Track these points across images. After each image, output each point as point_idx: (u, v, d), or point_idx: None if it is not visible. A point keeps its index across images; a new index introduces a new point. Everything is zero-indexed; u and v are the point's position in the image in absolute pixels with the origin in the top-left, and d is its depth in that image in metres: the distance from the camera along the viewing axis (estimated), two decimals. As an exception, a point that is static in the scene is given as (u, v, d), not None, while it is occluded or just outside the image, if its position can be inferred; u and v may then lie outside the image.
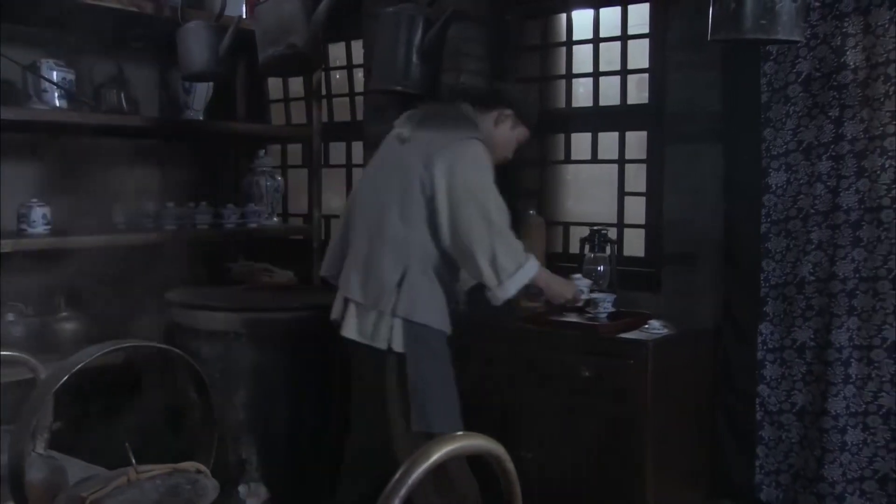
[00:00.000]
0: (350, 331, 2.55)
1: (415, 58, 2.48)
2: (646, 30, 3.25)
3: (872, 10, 2.65)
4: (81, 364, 0.78)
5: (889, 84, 2.63)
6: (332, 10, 2.72)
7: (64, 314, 3.13)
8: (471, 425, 2.53)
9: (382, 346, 2.48)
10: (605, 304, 2.85)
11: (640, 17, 3.28)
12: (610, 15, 3.37)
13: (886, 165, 2.65)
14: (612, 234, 3.20)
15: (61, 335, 3.09)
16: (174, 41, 3.28)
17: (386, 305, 2.47)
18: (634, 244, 3.35)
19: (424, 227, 2.50)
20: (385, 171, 2.64)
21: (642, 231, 3.30)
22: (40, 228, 3.16)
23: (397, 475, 0.59)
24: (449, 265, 2.59)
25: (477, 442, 0.61)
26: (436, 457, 0.59)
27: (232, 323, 2.85)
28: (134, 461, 0.85)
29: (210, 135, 3.75)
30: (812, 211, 2.79)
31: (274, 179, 3.97)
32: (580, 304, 2.82)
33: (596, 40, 3.39)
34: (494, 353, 2.90)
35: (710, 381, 2.95)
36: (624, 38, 3.31)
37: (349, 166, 4.22)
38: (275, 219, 4.01)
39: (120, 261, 3.58)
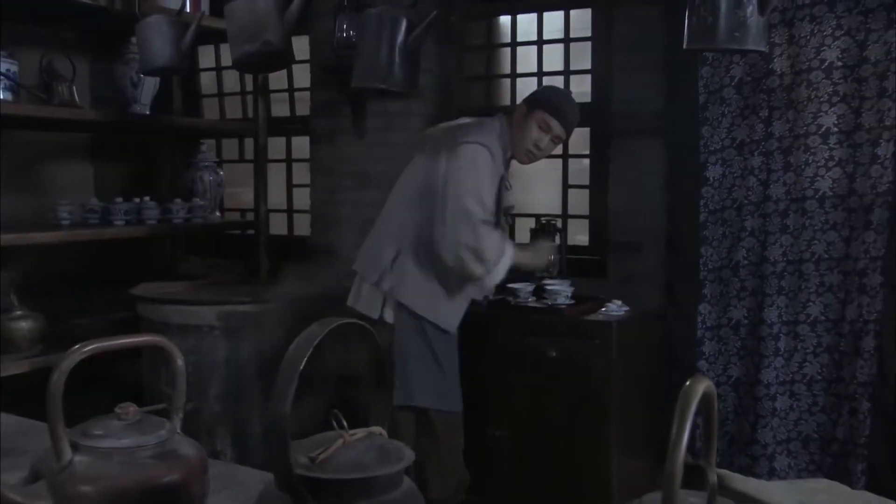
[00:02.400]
0: (352, 300, 2.78)
1: (397, 58, 2.60)
2: (587, 33, 3.48)
3: (796, 23, 2.97)
4: (317, 340, 0.89)
5: (811, 89, 2.96)
6: (303, 8, 2.80)
7: (18, 312, 3.05)
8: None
9: (375, 315, 2.68)
10: (565, 290, 3.06)
11: (582, 21, 3.51)
12: (553, 19, 3.58)
13: (809, 161, 2.99)
14: (559, 224, 3.42)
15: (17, 334, 3.01)
16: (120, 33, 3.25)
17: (379, 280, 2.70)
18: (577, 234, 3.58)
19: (422, 217, 2.68)
20: (412, 167, 2.84)
21: (585, 221, 3.54)
22: (-15, 225, 3.06)
23: (677, 418, 0.73)
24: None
25: (708, 384, 0.77)
26: (701, 391, 0.74)
27: (206, 317, 2.88)
28: (346, 425, 0.96)
29: (160, 129, 3.71)
30: (745, 201, 3.10)
31: (217, 174, 3.97)
32: (549, 270, 3.07)
33: (540, 42, 3.60)
34: (466, 339, 3.04)
35: (655, 358, 3.22)
36: (567, 40, 3.53)
37: (289, 161, 4.26)
38: (217, 213, 4.00)
39: (69, 257, 3.52)
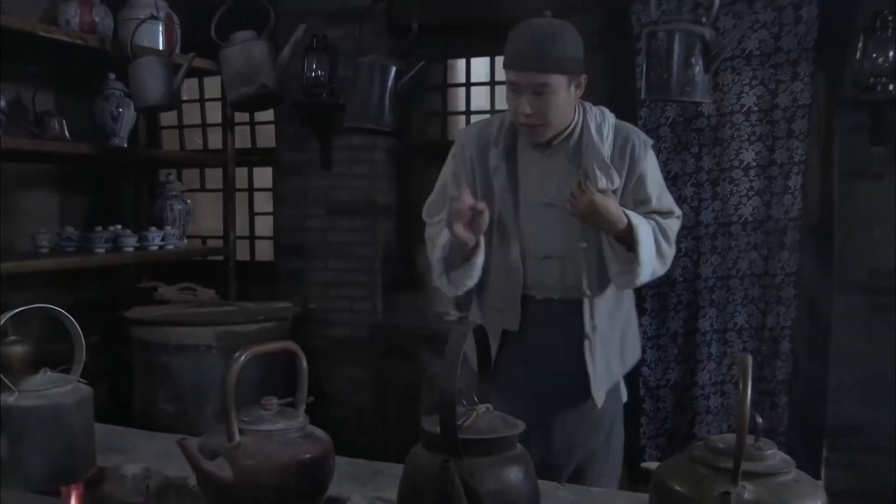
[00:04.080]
0: None
1: (388, 101, 2.91)
2: (536, 77, 3.88)
3: (720, 73, 3.44)
4: (466, 336, 1.19)
5: (733, 129, 3.44)
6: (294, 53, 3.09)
7: (13, 338, 3.16)
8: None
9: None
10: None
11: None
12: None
13: (733, 191, 3.46)
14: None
15: (13, 359, 3.12)
16: (87, 68, 3.44)
17: None
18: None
19: None
20: None
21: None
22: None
23: (741, 378, 1.08)
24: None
25: (749, 355, 1.12)
26: (749, 359, 1.09)
27: (204, 337, 3.08)
28: (477, 400, 1.26)
29: (143, 161, 3.87)
30: (680, 226, 3.53)
31: (185, 203, 4.15)
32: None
33: (492, 83, 3.98)
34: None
35: (604, 366, 3.61)
36: (517, 82, 3.92)
37: (251, 190, 4.48)
38: (185, 240, 4.18)
39: (34, 284, 3.63)
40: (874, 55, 3.15)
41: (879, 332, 3.38)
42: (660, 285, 3.58)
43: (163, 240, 3.86)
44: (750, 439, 1.17)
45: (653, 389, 3.63)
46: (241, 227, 4.48)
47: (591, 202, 1.95)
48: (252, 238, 4.48)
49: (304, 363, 1.48)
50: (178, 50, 3.75)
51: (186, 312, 3.31)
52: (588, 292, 2.11)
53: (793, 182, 3.38)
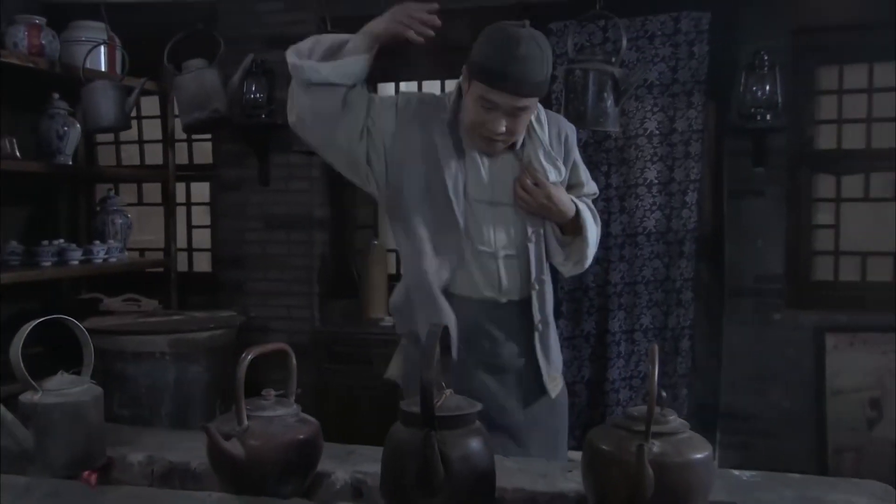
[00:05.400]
0: None
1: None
2: (461, 101, 4.23)
3: (626, 100, 3.87)
4: (438, 336, 1.50)
5: (637, 150, 3.87)
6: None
7: None
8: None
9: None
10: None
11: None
12: (432, 87, 4.30)
13: (638, 206, 3.89)
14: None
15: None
16: (40, 90, 3.61)
17: None
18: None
19: None
20: None
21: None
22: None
23: (650, 363, 1.42)
24: None
25: (655, 345, 1.48)
26: (656, 349, 1.44)
27: (158, 344, 3.28)
28: (447, 390, 1.57)
29: (87, 178, 4.00)
30: (592, 238, 3.95)
31: (126, 217, 4.30)
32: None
33: (421, 106, 4.30)
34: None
35: (526, 365, 3.98)
36: (444, 105, 4.26)
37: (189, 204, 4.66)
38: (125, 253, 4.33)
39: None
40: (754, 89, 3.64)
41: (764, 331, 3.87)
42: (574, 290, 3.99)
43: (107, 253, 4.01)
44: (657, 410, 1.52)
45: (569, 385, 3.96)
46: (180, 239, 4.65)
47: (548, 194, 2.02)
48: (190, 250, 4.66)
49: (294, 361, 1.75)
50: (118, 70, 3.92)
51: (139, 322, 3.49)
52: (537, 286, 2.15)
53: (689, 198, 3.83)
